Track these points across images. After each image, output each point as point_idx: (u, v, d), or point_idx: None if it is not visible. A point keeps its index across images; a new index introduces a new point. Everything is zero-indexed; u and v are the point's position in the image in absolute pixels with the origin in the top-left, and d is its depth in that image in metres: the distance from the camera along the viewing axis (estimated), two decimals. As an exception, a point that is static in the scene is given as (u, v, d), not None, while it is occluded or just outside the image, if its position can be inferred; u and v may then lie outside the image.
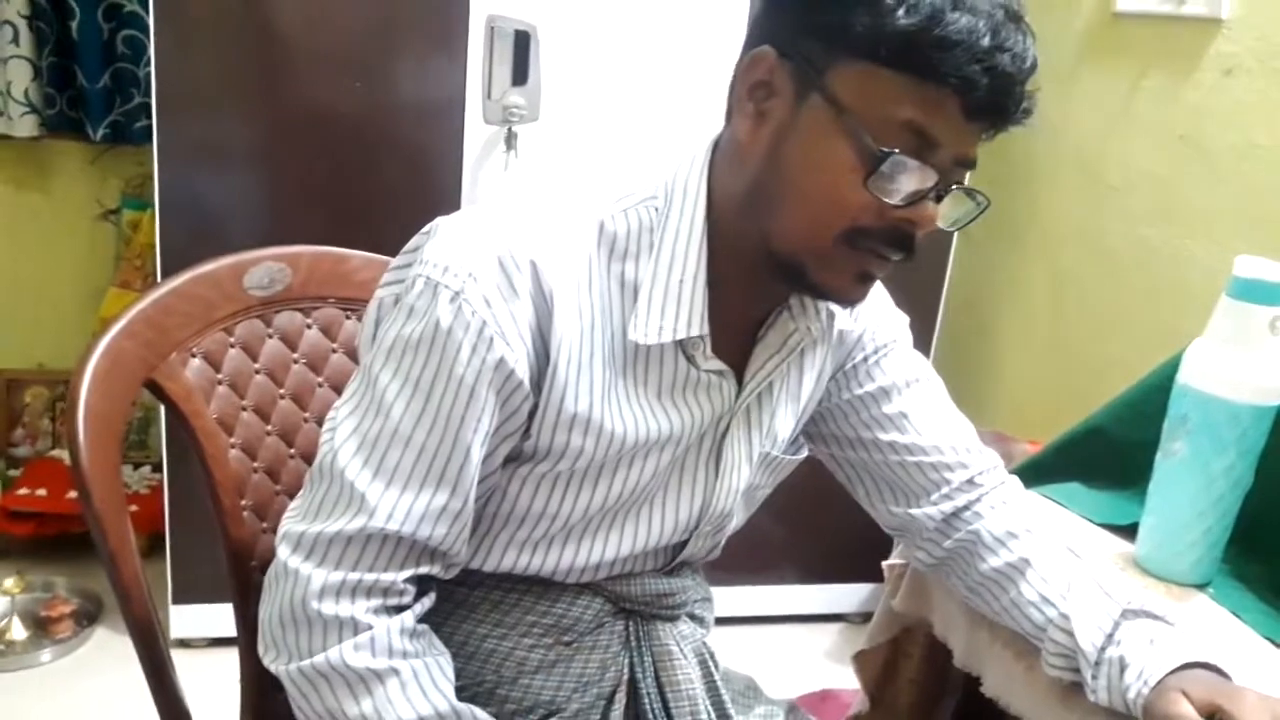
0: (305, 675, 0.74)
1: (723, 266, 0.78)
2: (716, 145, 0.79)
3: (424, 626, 0.78)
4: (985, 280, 2.31)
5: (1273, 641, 0.92)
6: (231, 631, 0.96)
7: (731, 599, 2.18)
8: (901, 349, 0.93)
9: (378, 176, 1.75)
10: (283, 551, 0.75)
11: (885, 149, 0.68)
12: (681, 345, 0.79)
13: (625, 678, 0.87)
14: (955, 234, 2.07)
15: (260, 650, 0.77)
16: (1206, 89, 1.77)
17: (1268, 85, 1.66)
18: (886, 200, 0.70)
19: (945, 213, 0.74)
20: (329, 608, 0.73)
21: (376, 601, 0.74)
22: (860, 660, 1.15)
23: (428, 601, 0.78)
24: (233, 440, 0.96)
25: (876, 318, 0.92)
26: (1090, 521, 1.10)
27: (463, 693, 0.83)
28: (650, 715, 0.87)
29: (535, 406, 0.76)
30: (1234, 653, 0.89)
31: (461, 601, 0.84)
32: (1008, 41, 0.68)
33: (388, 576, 0.74)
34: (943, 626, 1.02)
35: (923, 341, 2.08)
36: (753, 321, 0.83)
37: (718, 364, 0.81)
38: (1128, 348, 1.89)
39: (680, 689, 0.88)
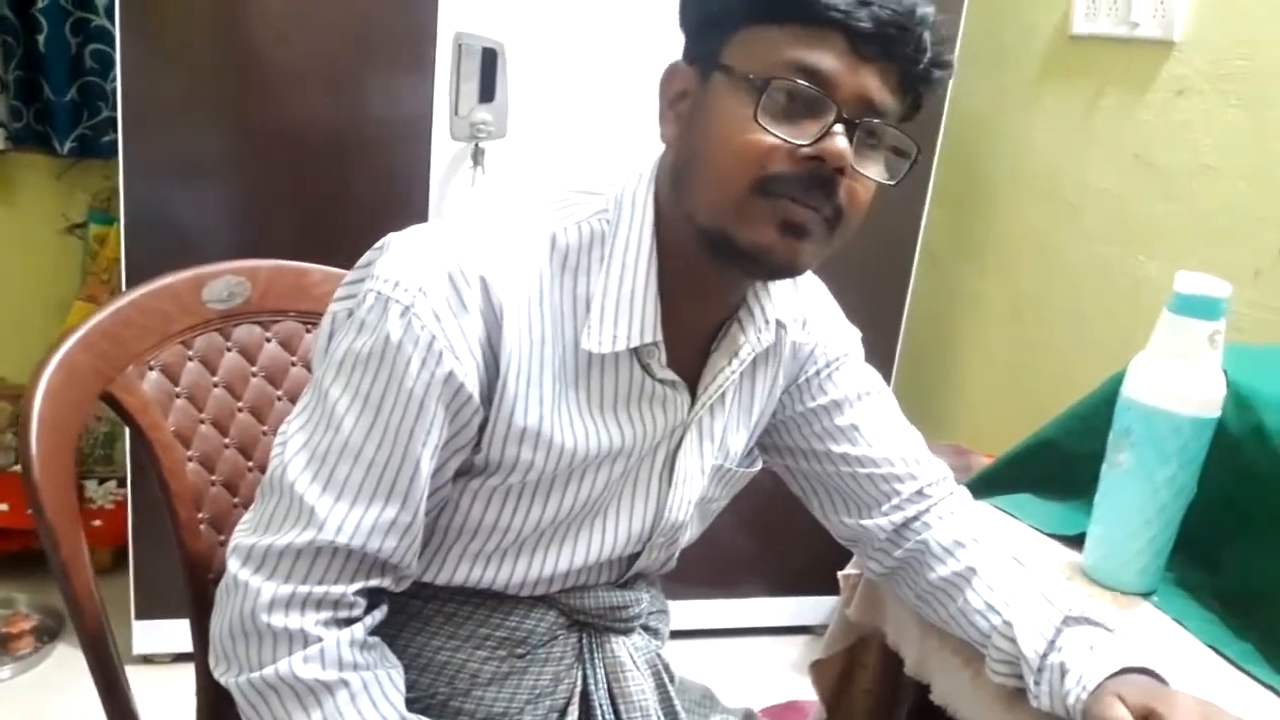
0: (255, 687, 0.74)
1: (673, 275, 0.79)
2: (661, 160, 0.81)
3: (375, 639, 0.78)
4: (946, 296, 2.34)
5: (1214, 648, 0.94)
6: (194, 646, 0.95)
7: (698, 612, 2.19)
8: (853, 363, 0.95)
9: (346, 192, 1.76)
10: (233, 564, 0.75)
11: (770, 78, 0.70)
12: (636, 354, 0.80)
13: (578, 690, 0.88)
14: (917, 252, 2.10)
15: (211, 663, 0.77)
16: (1159, 109, 1.81)
17: (1217, 106, 1.70)
18: (785, 136, 0.71)
19: (865, 157, 0.74)
20: (279, 620, 0.73)
21: (326, 614, 0.75)
22: (816, 670, 1.17)
23: (379, 614, 0.79)
24: (190, 453, 0.97)
25: (828, 332, 0.94)
26: (1040, 531, 1.12)
27: (415, 704, 0.84)
28: None
29: (485, 420, 0.76)
30: (1177, 659, 0.91)
31: (415, 614, 0.85)
32: None
33: (337, 589, 0.74)
34: (895, 635, 1.03)
35: (885, 356, 2.12)
36: (705, 334, 0.84)
37: (671, 375, 0.82)
38: (1084, 362, 1.92)
39: (633, 700, 0.88)
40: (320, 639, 0.74)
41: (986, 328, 2.27)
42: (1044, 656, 0.80)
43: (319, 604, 0.74)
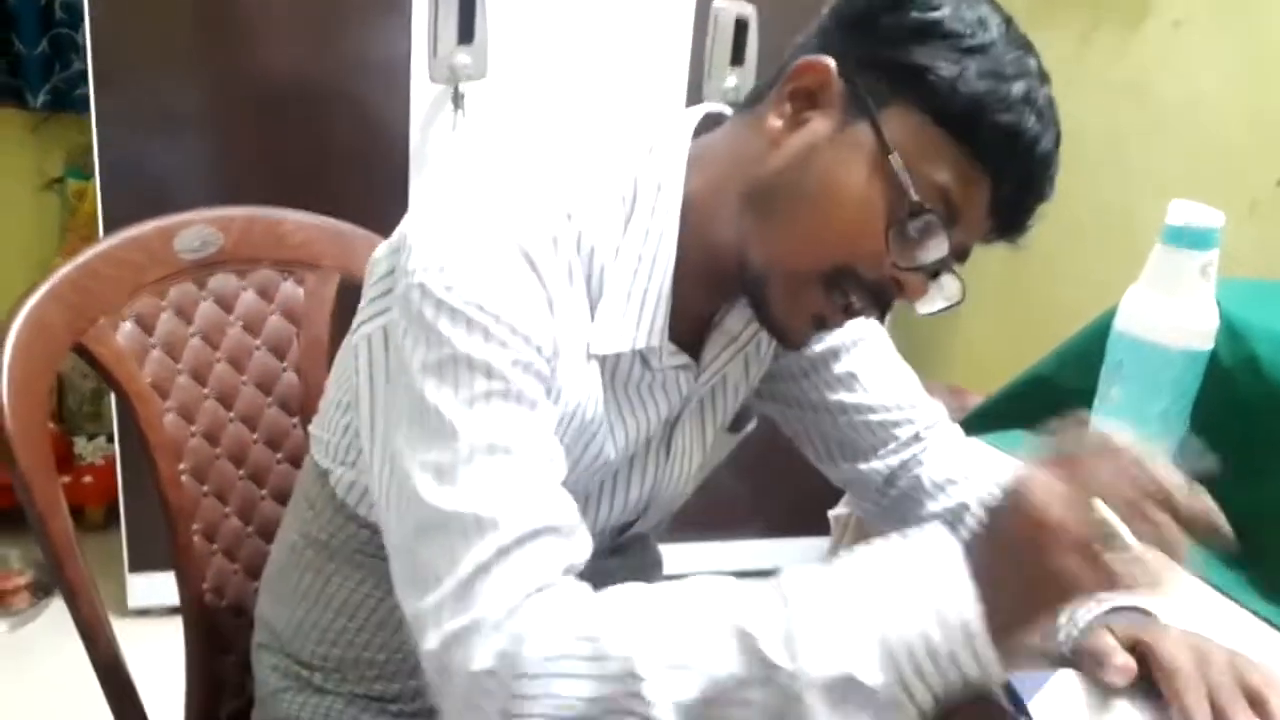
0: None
1: (687, 265, 0.73)
2: (698, 133, 0.75)
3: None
4: (941, 236, 2.32)
5: (1205, 579, 0.94)
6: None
7: (696, 555, 2.18)
8: (874, 338, 0.92)
9: (324, 138, 1.73)
10: (435, 653, 0.61)
11: (926, 205, 0.66)
12: (643, 353, 0.75)
13: None
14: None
15: None
16: (1155, 41, 1.77)
17: (1214, 37, 1.67)
18: (895, 257, 0.67)
19: (929, 295, 0.71)
20: (538, 644, 0.59)
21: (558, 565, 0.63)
22: (808, 611, 1.16)
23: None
24: (168, 404, 0.95)
25: None
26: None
27: (400, 664, 0.84)
28: None
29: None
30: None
31: None
32: (1043, 139, 0.69)
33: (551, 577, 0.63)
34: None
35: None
36: (708, 310, 0.80)
37: (679, 359, 0.77)
38: (1080, 299, 1.89)
39: None
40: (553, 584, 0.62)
41: (981, 265, 2.23)
42: (1034, 593, 0.79)
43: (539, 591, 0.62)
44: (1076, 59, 1.94)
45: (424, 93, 1.73)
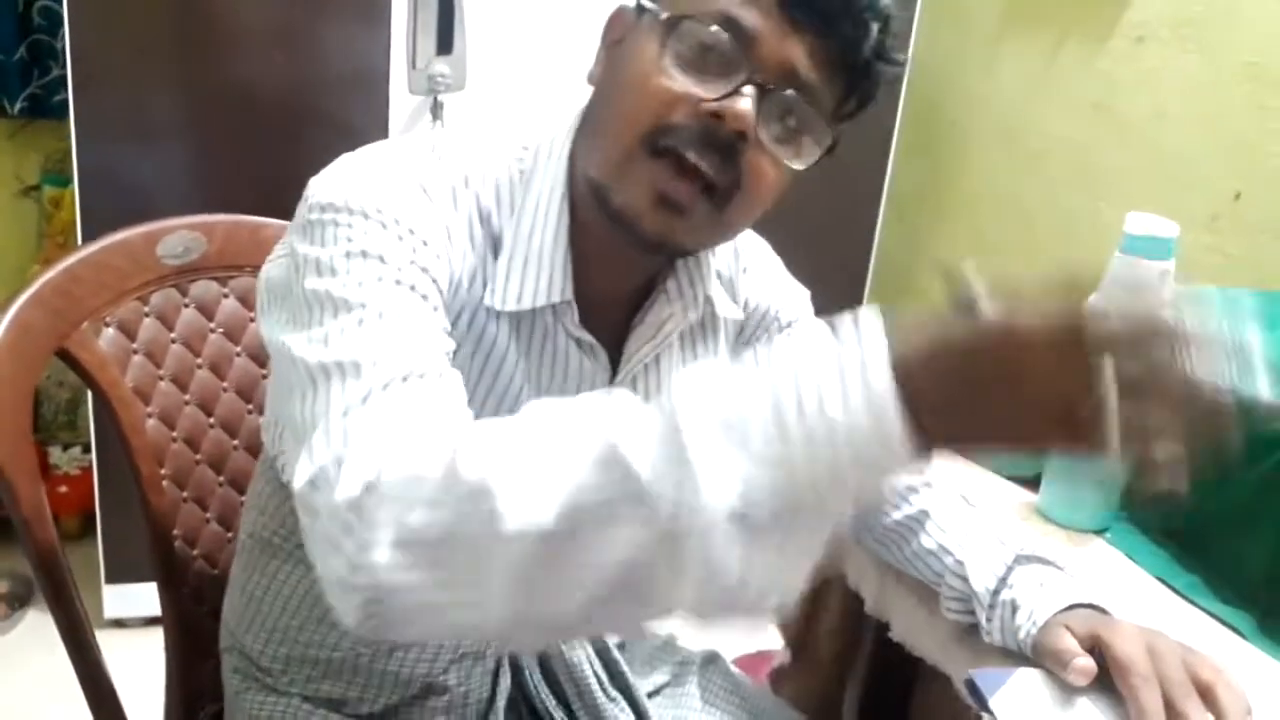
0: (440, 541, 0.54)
1: (584, 233, 0.74)
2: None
3: None
4: (911, 244, 2.36)
5: (1162, 580, 0.97)
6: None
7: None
8: (804, 325, 0.93)
9: (302, 148, 1.74)
10: (322, 489, 0.56)
11: (685, 16, 0.66)
12: (554, 311, 0.76)
13: (506, 651, 0.87)
14: (883, 201, 2.11)
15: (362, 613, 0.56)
16: (1119, 57, 1.82)
17: (1176, 53, 1.71)
18: (687, 84, 0.66)
19: (773, 128, 0.68)
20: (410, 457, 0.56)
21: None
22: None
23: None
24: (150, 409, 0.96)
25: (774, 297, 0.91)
26: (999, 475, 1.14)
27: (341, 663, 0.84)
28: (533, 688, 0.88)
29: None
30: (1128, 592, 0.94)
31: None
32: None
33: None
34: (856, 576, 1.05)
35: (852, 304, 2.12)
36: (624, 302, 0.81)
37: (586, 335, 0.77)
38: (1046, 310, 1.95)
39: (564, 658, 0.88)
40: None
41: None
42: (995, 594, 0.82)
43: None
44: (1044, 74, 1.98)
45: (403, 103, 1.75)
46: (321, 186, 0.70)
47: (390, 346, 0.61)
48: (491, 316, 0.75)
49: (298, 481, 0.58)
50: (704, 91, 0.66)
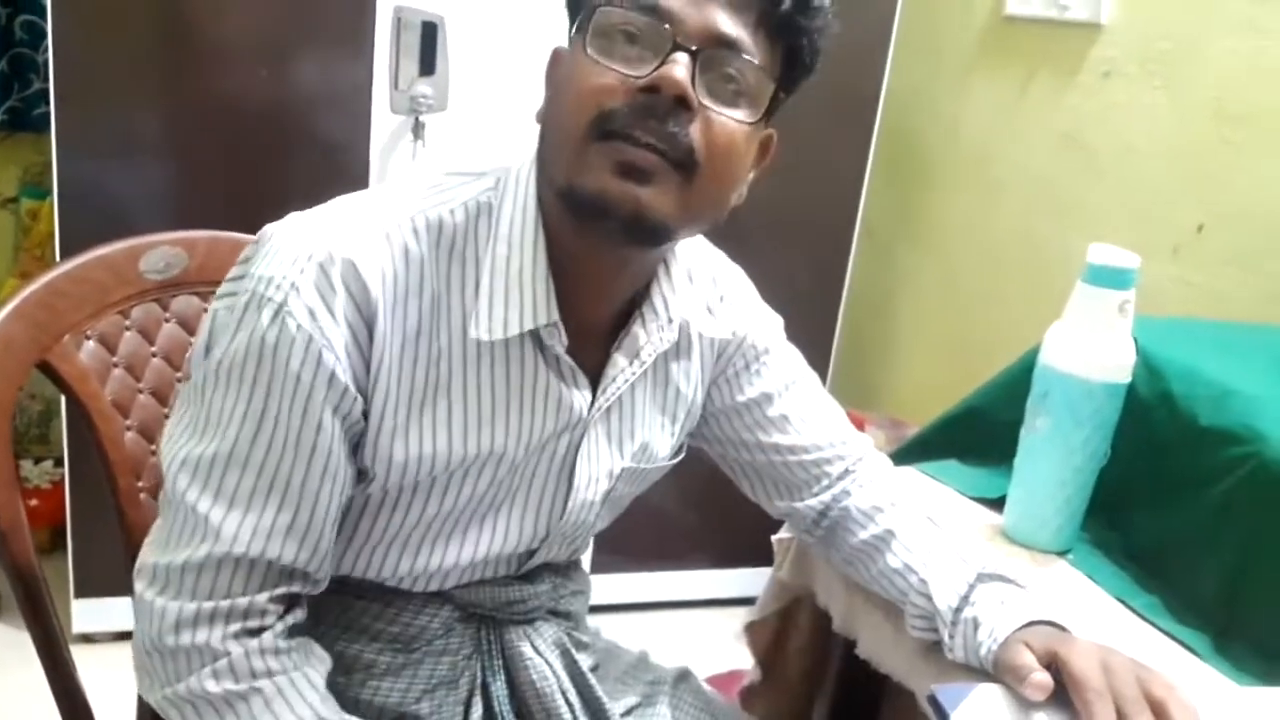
0: (171, 702, 0.74)
1: (560, 258, 0.76)
2: None
3: (295, 641, 0.76)
4: (884, 273, 2.39)
5: (1123, 601, 0.99)
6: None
7: (643, 585, 2.22)
8: (778, 353, 0.95)
9: (285, 166, 1.75)
10: (139, 585, 0.74)
11: (598, 4, 0.69)
12: (537, 339, 0.78)
13: (479, 681, 0.88)
14: (856, 230, 2.14)
15: (136, 678, 0.77)
16: (1087, 91, 1.86)
17: (1142, 88, 1.76)
18: (615, 68, 0.69)
19: (712, 87, 0.70)
20: (185, 638, 0.72)
21: (235, 626, 0.73)
22: (751, 631, 1.20)
23: (296, 616, 0.77)
24: (129, 422, 0.97)
25: (749, 324, 0.93)
26: (964, 495, 1.17)
27: None
28: (501, 716, 0.88)
29: (365, 416, 0.75)
30: (1089, 612, 0.96)
31: (312, 607, 0.82)
32: None
33: (243, 600, 0.73)
34: (824, 595, 1.07)
35: (825, 332, 2.17)
36: (605, 329, 0.83)
37: (570, 360, 0.80)
38: (1014, 336, 1.96)
39: (535, 687, 0.88)
40: (228, 653, 0.72)
41: (922, 304, 2.33)
42: (958, 611, 0.83)
43: (226, 617, 0.73)
44: (1014, 108, 2.03)
45: (384, 123, 1.76)
46: (264, 275, 0.72)
47: (252, 518, 0.73)
48: (469, 349, 0.77)
49: (137, 582, 0.76)
50: (635, 71, 0.69)
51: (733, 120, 0.71)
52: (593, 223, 0.72)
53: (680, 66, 0.68)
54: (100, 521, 0.96)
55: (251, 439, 0.72)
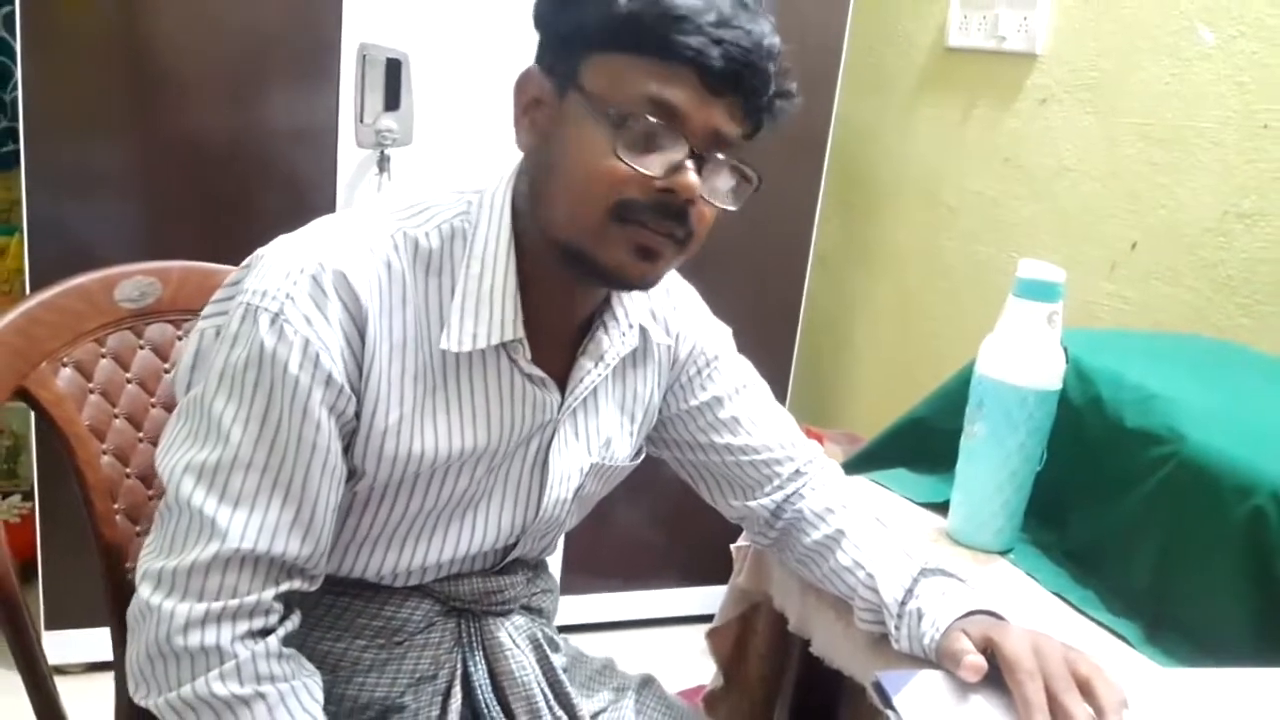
0: (174, 707, 0.76)
1: (531, 275, 0.83)
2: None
3: (291, 650, 0.80)
4: (838, 297, 2.47)
5: (1060, 595, 1.05)
6: (108, 655, 0.97)
7: (612, 605, 2.25)
8: (727, 359, 1.01)
9: (252, 200, 1.79)
10: (144, 590, 0.76)
11: (627, 114, 0.75)
12: (505, 351, 0.84)
13: (459, 672, 0.92)
14: (810, 257, 2.21)
15: (131, 689, 0.79)
16: (1025, 116, 1.95)
17: (1075, 113, 1.85)
18: (641, 169, 0.75)
19: (713, 186, 0.79)
20: (194, 639, 0.75)
21: (243, 626, 0.76)
22: (712, 638, 1.25)
23: (294, 621, 0.81)
24: (105, 446, 1.00)
25: (702, 334, 1.00)
26: (912, 501, 1.22)
27: None
28: (484, 706, 0.92)
29: (357, 416, 0.80)
30: (1029, 606, 1.02)
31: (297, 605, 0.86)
32: (735, 20, 0.75)
33: (250, 598, 0.76)
34: (781, 598, 1.12)
35: (783, 353, 2.23)
36: (570, 335, 0.89)
37: (538, 371, 0.86)
38: (962, 353, 2.03)
39: (514, 678, 0.93)
40: (236, 655, 0.75)
41: (875, 325, 2.40)
42: (903, 604, 0.88)
43: (234, 616, 0.76)
44: (958, 133, 2.11)
45: (350, 157, 1.81)
46: (255, 289, 0.77)
47: (256, 517, 0.76)
48: (448, 358, 0.83)
49: (140, 589, 0.77)
50: (652, 170, 0.76)
51: (722, 208, 0.82)
52: (596, 278, 0.82)
53: (693, 173, 0.77)
54: (70, 553, 0.99)
55: (255, 441, 0.76)
